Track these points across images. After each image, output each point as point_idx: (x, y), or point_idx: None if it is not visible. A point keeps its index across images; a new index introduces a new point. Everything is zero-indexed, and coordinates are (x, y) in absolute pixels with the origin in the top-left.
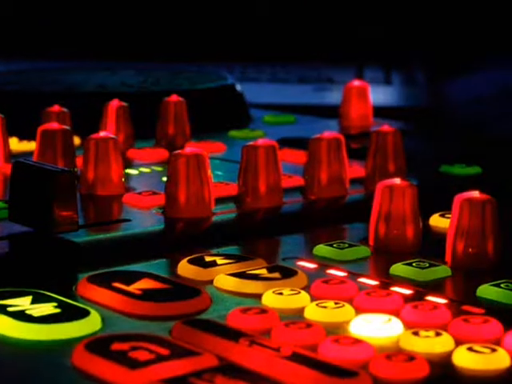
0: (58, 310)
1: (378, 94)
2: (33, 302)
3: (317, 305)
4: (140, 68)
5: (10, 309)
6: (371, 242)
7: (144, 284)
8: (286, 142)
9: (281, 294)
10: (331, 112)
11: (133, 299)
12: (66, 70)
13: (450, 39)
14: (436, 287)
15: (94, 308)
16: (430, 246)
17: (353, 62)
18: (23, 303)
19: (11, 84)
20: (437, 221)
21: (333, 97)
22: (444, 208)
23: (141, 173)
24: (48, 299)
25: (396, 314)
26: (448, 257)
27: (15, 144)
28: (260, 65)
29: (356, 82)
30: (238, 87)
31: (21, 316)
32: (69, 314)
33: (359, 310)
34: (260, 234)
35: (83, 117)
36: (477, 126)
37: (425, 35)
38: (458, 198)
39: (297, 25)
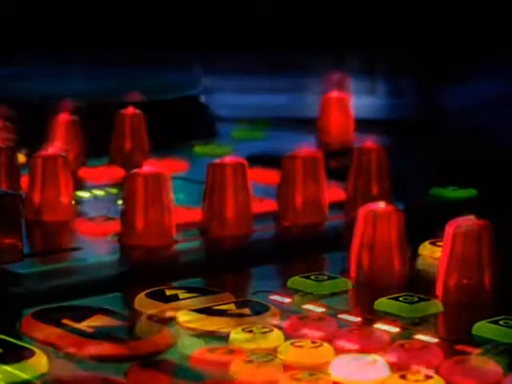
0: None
1: (361, 105)
2: None
3: (292, 344)
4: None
5: None
6: (352, 274)
7: (97, 321)
8: (256, 160)
9: (251, 331)
10: (308, 125)
11: (83, 338)
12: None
13: (441, 42)
14: (426, 324)
15: (40, 348)
16: (419, 277)
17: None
18: None
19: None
20: (427, 249)
21: (310, 108)
22: (435, 235)
23: (93, 195)
24: None
25: (381, 354)
26: (439, 290)
27: None
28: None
29: (335, 92)
30: (202, 98)
31: None
32: (12, 354)
33: (340, 350)
34: (227, 265)
35: (28, 130)
36: (472, 139)
37: (413, 37)
38: (451, 225)
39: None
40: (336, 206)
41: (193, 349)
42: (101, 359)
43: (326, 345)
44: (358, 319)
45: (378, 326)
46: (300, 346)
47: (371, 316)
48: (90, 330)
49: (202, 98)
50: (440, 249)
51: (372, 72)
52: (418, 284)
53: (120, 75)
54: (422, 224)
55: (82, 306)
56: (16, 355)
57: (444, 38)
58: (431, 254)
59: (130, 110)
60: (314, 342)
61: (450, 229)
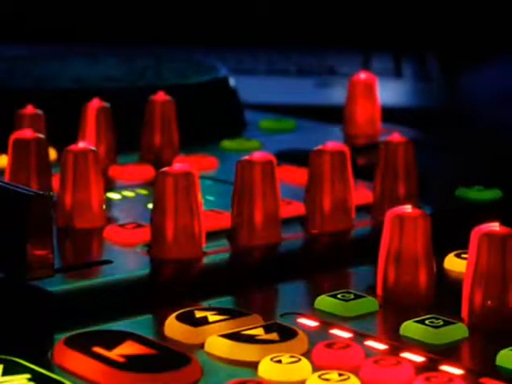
0: None
1: (387, 91)
2: (4, 373)
3: (319, 377)
4: (122, 54)
5: None
6: (379, 291)
7: (128, 348)
8: (284, 156)
9: (279, 361)
10: (336, 113)
11: (114, 369)
12: (36, 58)
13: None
14: (451, 352)
15: (71, 380)
16: (446, 295)
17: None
18: None
19: None
20: (452, 263)
21: (337, 93)
22: (461, 245)
23: (123, 197)
24: (21, 369)
25: None
26: (464, 311)
27: None
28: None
29: (362, 75)
30: (232, 81)
31: None
32: None
33: (366, 383)
34: (255, 280)
35: (57, 120)
36: (504, 129)
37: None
38: (476, 233)
39: (298, 8)
40: (363, 208)
41: (221, 382)
42: None
43: (352, 378)
44: (385, 347)
45: (404, 355)
46: (327, 380)
47: (397, 343)
48: (121, 360)
49: (232, 82)
50: (465, 262)
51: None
52: (445, 303)
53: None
54: (448, 230)
55: (114, 331)
56: None
57: (473, 18)
58: (457, 268)
59: (161, 95)
60: (340, 375)
61: (474, 238)
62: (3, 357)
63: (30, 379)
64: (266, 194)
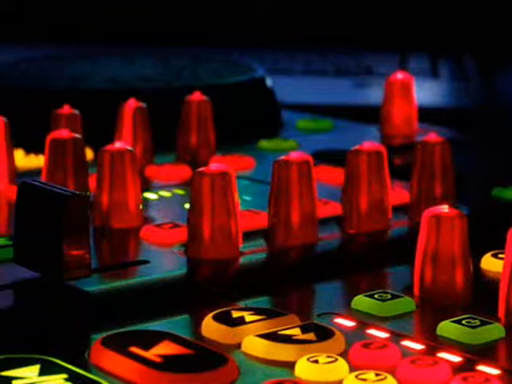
0: None
1: (424, 91)
2: (41, 373)
3: (356, 377)
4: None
5: (15, 382)
6: (416, 291)
7: (165, 348)
8: (321, 156)
9: (316, 361)
10: (373, 113)
11: (151, 369)
12: (72, 57)
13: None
14: (488, 353)
15: (108, 380)
16: (483, 294)
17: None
18: (30, 375)
19: (8, 79)
20: (489, 263)
21: (374, 93)
22: (498, 245)
23: (160, 197)
24: (58, 369)
25: None
26: (501, 311)
27: (21, 158)
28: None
29: (399, 75)
30: (269, 81)
31: None
32: None
33: (403, 383)
34: (292, 280)
35: (93, 120)
36: None
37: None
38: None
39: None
40: (400, 208)
41: (258, 382)
42: None
43: (389, 378)
44: (422, 347)
45: (441, 354)
46: (364, 380)
47: (434, 343)
48: (158, 360)
49: (269, 82)
50: (502, 262)
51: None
52: (482, 303)
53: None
54: (484, 230)
55: (151, 331)
56: None
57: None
58: (494, 268)
59: (197, 95)
60: (377, 375)
61: (510, 239)
62: (40, 357)
63: (66, 379)
64: (303, 194)
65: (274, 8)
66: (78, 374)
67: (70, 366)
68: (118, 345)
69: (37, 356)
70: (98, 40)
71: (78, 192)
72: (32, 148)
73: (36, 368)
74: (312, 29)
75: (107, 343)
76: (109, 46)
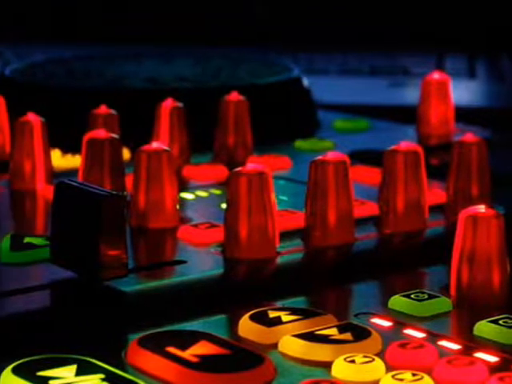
0: None
1: (461, 91)
2: (78, 373)
3: (393, 377)
4: (195, 54)
5: (52, 382)
6: (453, 291)
7: (201, 348)
8: (358, 156)
9: (353, 361)
10: (409, 113)
11: (188, 369)
12: (110, 58)
13: None
14: None
15: (144, 380)
16: None
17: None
18: (67, 375)
19: (49, 78)
20: None
21: (410, 93)
22: None
23: (197, 197)
24: (94, 369)
25: None
26: None
27: (58, 158)
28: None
29: (436, 75)
30: (305, 81)
31: None
32: None
33: (439, 382)
34: (329, 280)
35: (130, 120)
36: None
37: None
38: None
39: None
40: (437, 208)
41: (296, 381)
42: None
43: (426, 378)
44: (458, 347)
45: (478, 355)
46: (401, 380)
47: (471, 343)
48: (195, 360)
49: (305, 82)
50: None
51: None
52: None
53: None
54: None
55: (187, 331)
56: None
57: None
58: None
59: (235, 95)
60: (414, 375)
61: None
62: (77, 357)
63: (103, 379)
64: (340, 194)
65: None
66: (114, 373)
67: (106, 366)
68: (155, 345)
69: (73, 356)
70: (137, 41)
71: (114, 192)
72: (69, 148)
73: (73, 368)
74: (348, 29)
75: (144, 343)
76: (147, 47)
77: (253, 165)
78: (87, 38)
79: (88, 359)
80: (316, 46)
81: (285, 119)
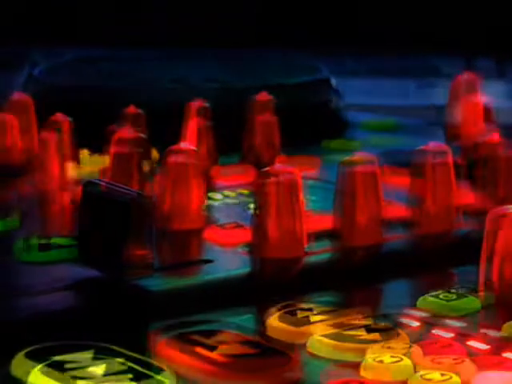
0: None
1: (490, 92)
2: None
3: (421, 377)
4: (220, 55)
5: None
6: (481, 290)
7: (229, 348)
8: (386, 157)
9: (381, 361)
10: (438, 114)
11: (216, 367)
12: (136, 59)
13: None
14: None
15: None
16: None
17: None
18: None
19: (76, 78)
20: None
21: (439, 95)
22: None
23: (224, 198)
24: (113, 354)
25: None
26: None
27: (85, 159)
28: (356, 54)
29: (465, 76)
30: (334, 82)
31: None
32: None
33: (467, 383)
34: (358, 280)
35: (158, 120)
36: None
37: None
38: None
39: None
40: (465, 209)
41: (324, 381)
42: None
43: (454, 377)
44: (487, 347)
45: (507, 355)
46: (429, 380)
47: (500, 343)
48: (223, 360)
49: (334, 82)
50: None
51: (502, 55)
52: None
53: (249, 57)
54: None
55: (213, 330)
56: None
57: None
58: None
59: (263, 95)
60: (442, 375)
61: None
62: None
63: (122, 363)
64: (369, 195)
65: (338, 11)
66: (135, 357)
67: (125, 351)
68: (184, 342)
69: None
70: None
71: (141, 193)
72: (97, 148)
73: (90, 353)
74: (376, 30)
75: (173, 340)
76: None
77: (281, 165)
78: (111, 40)
79: (107, 346)
80: (345, 48)
81: (313, 120)
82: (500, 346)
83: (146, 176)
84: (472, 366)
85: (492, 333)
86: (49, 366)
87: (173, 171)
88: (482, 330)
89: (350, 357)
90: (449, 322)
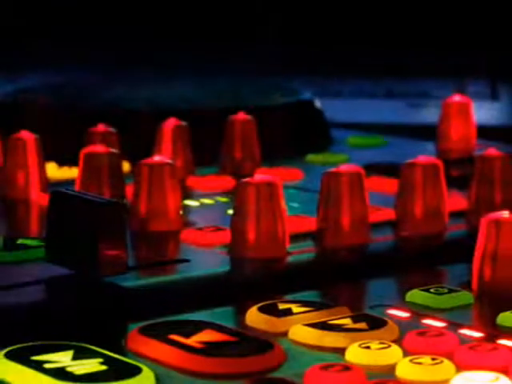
0: (104, 367)
1: (483, 112)
2: (74, 358)
3: (411, 361)
4: (197, 77)
5: (47, 365)
6: (474, 287)
7: (206, 336)
8: (373, 169)
9: (368, 347)
10: (427, 132)
11: (193, 354)
12: (110, 80)
13: None
14: None
15: (147, 365)
16: None
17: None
18: (64, 359)
19: (48, 99)
20: None
21: (429, 114)
22: None
23: (202, 204)
24: (92, 354)
25: (504, 371)
26: None
27: (54, 170)
28: (342, 77)
29: (457, 98)
30: (317, 103)
31: (60, 374)
32: (118, 371)
33: (460, 367)
34: (343, 277)
35: (132, 138)
36: None
37: None
38: None
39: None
40: (457, 215)
41: (306, 366)
42: (212, 376)
43: (446, 362)
44: (481, 334)
45: (502, 341)
46: (419, 363)
47: (494, 331)
48: (200, 346)
49: (317, 103)
50: None
51: (495, 77)
52: None
53: (227, 78)
54: None
55: (190, 320)
56: (122, 372)
57: None
58: None
59: (241, 116)
60: (433, 359)
61: None
62: (74, 343)
63: (102, 363)
64: (354, 200)
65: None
66: (113, 358)
67: (104, 351)
68: (157, 333)
69: (72, 343)
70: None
71: (112, 199)
72: (66, 162)
73: (69, 353)
74: (363, 53)
75: (145, 331)
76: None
77: (261, 175)
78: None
79: (85, 345)
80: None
81: (296, 139)
82: (495, 333)
83: (117, 187)
84: (451, 366)
85: (486, 322)
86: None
87: (147, 182)
88: (474, 322)
89: (335, 343)
90: (440, 313)
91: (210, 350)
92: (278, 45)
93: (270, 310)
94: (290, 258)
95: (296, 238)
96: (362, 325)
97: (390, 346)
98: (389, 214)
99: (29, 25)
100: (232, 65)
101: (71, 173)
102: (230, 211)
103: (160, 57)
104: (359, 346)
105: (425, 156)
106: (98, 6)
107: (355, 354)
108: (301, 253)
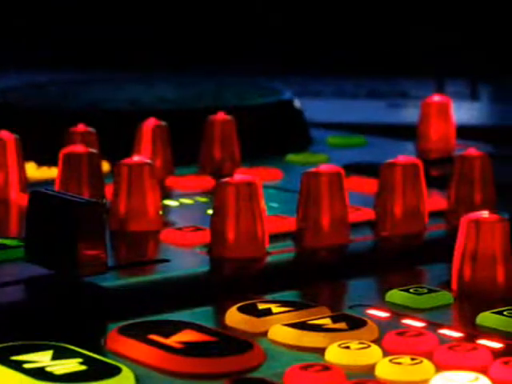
0: (83, 367)
1: (463, 112)
2: (54, 358)
3: (390, 361)
4: (178, 80)
5: (26, 365)
6: (454, 287)
7: (185, 336)
8: (353, 168)
9: (348, 347)
10: (407, 133)
11: (173, 354)
12: (91, 82)
13: None
14: None
15: (126, 365)
16: None
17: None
18: (43, 359)
19: (27, 100)
20: None
21: (409, 114)
22: None
23: (181, 204)
24: (72, 354)
25: (484, 371)
26: None
27: (33, 170)
28: (322, 77)
29: (436, 98)
30: (297, 103)
31: (40, 374)
32: (97, 371)
33: (440, 367)
34: (322, 277)
35: (112, 138)
36: None
37: None
38: None
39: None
40: (437, 215)
41: (286, 366)
42: (192, 376)
43: (425, 362)
44: (460, 334)
45: (481, 341)
46: (399, 363)
47: (473, 331)
48: (179, 346)
49: (296, 103)
50: None
51: (474, 77)
52: None
53: (209, 80)
54: None
55: (169, 320)
56: (102, 372)
57: None
58: None
59: (220, 115)
60: (413, 359)
61: None
62: (53, 343)
63: (81, 363)
64: (333, 200)
65: (306, 34)
66: (92, 358)
67: (84, 351)
68: (136, 333)
69: (51, 343)
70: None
71: (91, 199)
72: (45, 162)
73: (48, 353)
74: (344, 54)
75: (124, 331)
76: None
77: (241, 175)
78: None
79: (65, 345)
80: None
81: (275, 139)
82: (474, 334)
83: (96, 187)
84: (430, 366)
85: (465, 323)
86: None
87: (126, 182)
88: (454, 322)
89: (315, 343)
90: (420, 313)
91: (189, 350)
92: (263, 45)
93: (250, 310)
94: (269, 258)
95: (276, 237)
96: (342, 325)
97: (369, 346)
98: (368, 213)
99: (11, 24)
100: (214, 66)
101: (51, 173)
102: (210, 211)
103: (141, 58)
104: (339, 346)
105: (404, 156)
106: (82, 7)
107: (335, 354)
108: (280, 253)
